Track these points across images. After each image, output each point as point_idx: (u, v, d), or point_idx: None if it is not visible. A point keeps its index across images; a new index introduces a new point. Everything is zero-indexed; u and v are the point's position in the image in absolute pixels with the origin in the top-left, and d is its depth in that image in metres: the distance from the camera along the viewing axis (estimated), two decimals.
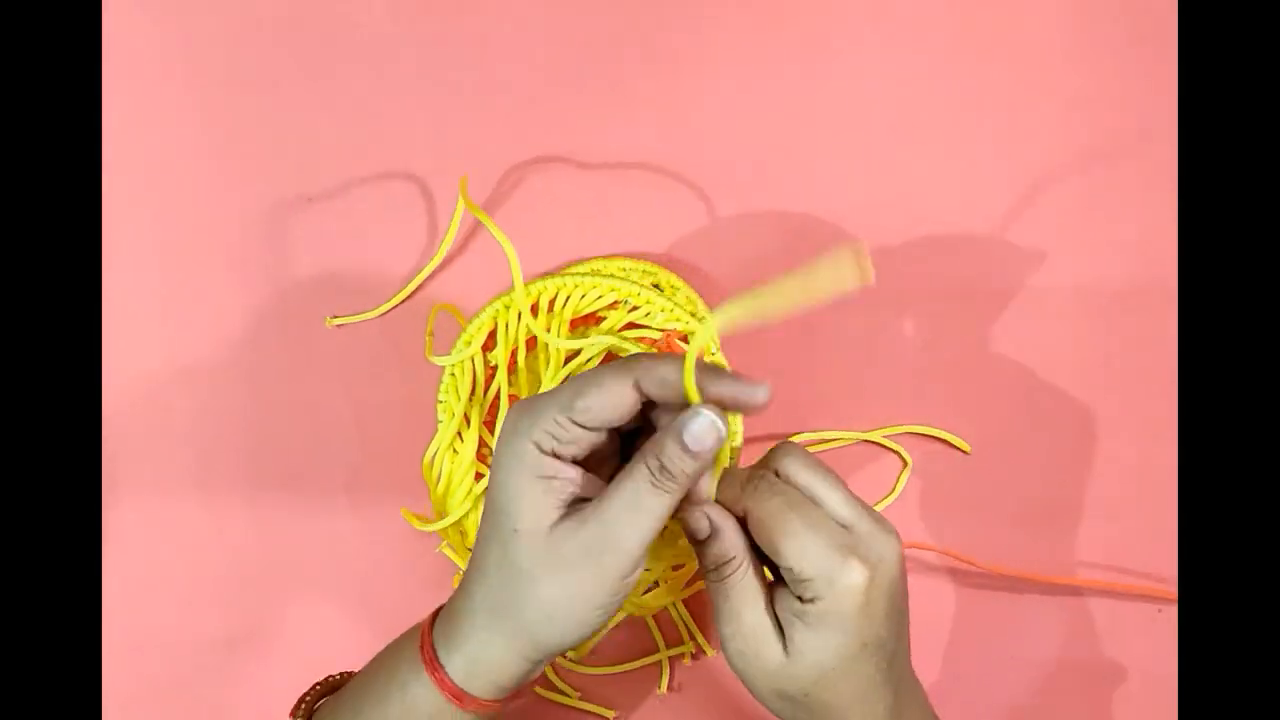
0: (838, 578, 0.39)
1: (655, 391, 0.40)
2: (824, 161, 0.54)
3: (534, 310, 0.50)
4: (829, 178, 0.54)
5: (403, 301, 0.55)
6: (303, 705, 0.45)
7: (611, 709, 0.55)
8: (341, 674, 0.47)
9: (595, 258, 0.53)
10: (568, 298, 0.50)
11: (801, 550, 0.39)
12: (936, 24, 0.53)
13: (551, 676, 0.55)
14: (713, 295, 0.54)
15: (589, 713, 0.55)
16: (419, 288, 0.55)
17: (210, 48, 0.54)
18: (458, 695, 0.41)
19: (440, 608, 0.43)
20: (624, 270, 0.53)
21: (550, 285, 0.50)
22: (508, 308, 0.50)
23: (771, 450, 0.42)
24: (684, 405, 0.40)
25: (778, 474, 0.42)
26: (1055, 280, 0.54)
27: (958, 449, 0.54)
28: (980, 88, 0.54)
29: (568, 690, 0.55)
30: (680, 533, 0.43)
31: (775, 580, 0.42)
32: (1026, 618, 0.55)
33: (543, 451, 0.39)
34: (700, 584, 0.53)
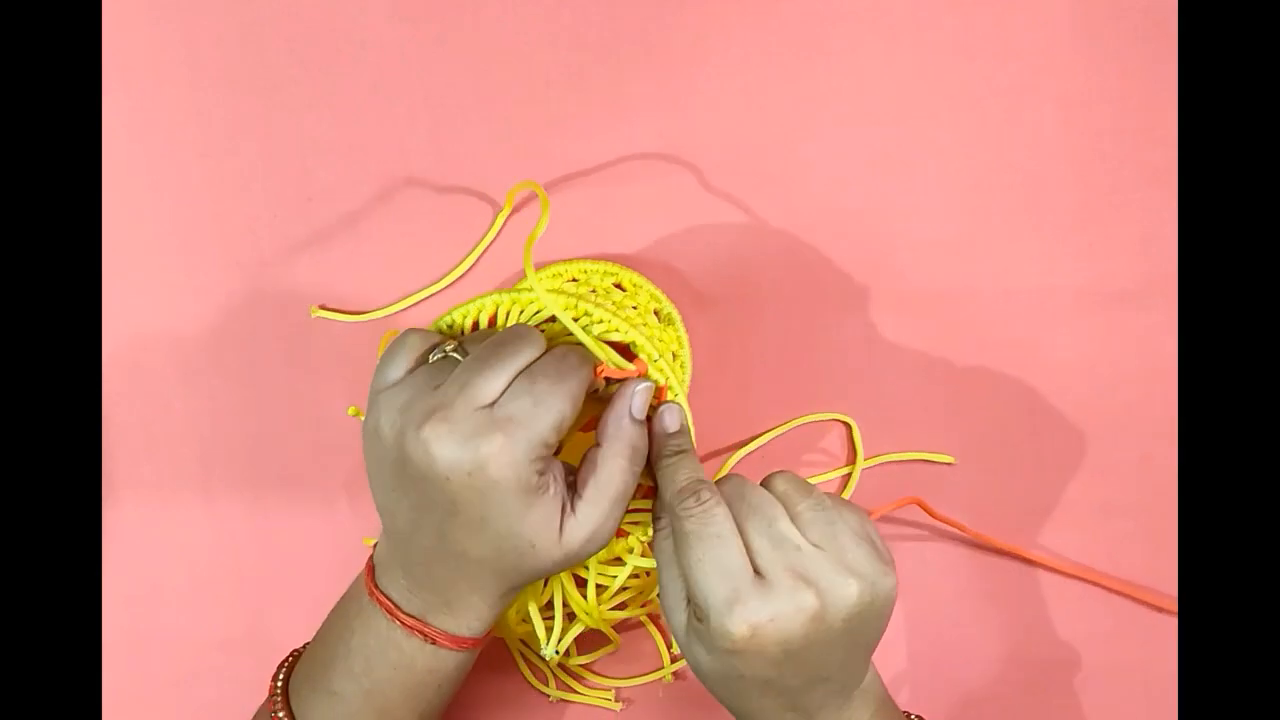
0: (718, 619, 0.40)
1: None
2: (823, 161, 0.54)
3: (474, 327, 0.49)
4: (828, 178, 0.54)
5: (413, 306, 0.55)
6: (280, 672, 0.48)
7: (617, 702, 0.55)
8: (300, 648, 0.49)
9: (556, 261, 0.53)
10: (507, 313, 0.48)
11: (695, 578, 0.41)
12: (936, 24, 0.53)
13: (559, 674, 0.55)
14: (709, 298, 0.54)
15: (594, 705, 0.55)
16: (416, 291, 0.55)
17: (210, 48, 0.54)
18: (472, 643, 0.44)
19: (370, 577, 0.45)
20: (584, 272, 0.52)
21: (489, 302, 0.48)
22: (450, 326, 0.49)
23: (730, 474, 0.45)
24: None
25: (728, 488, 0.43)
26: (1055, 280, 0.54)
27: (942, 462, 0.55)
28: (980, 88, 0.54)
29: (572, 684, 0.55)
30: None
31: None
32: (1026, 618, 0.55)
33: (539, 473, 0.42)
34: None
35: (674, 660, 0.55)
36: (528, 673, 0.55)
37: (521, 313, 0.48)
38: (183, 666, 0.57)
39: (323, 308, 0.54)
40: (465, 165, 0.54)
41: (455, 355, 0.44)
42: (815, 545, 0.41)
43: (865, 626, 0.42)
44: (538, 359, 0.43)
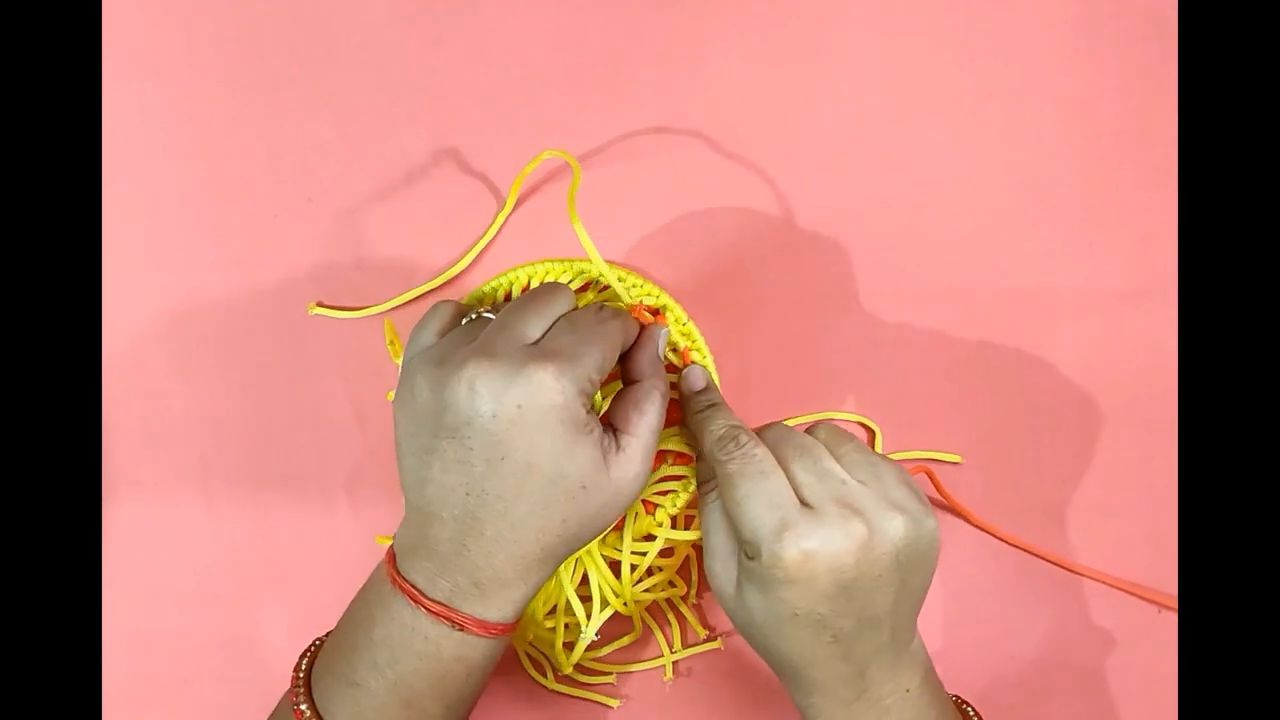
0: (769, 548, 0.41)
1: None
2: (823, 161, 0.54)
3: (507, 299, 0.50)
4: (828, 177, 0.54)
5: (410, 301, 0.55)
6: (302, 661, 0.46)
7: (615, 698, 0.55)
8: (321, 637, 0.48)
9: (558, 258, 0.53)
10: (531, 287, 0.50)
11: (743, 514, 0.42)
12: (937, 23, 0.53)
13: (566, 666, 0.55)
14: (709, 297, 0.54)
15: (593, 702, 0.55)
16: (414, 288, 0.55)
17: (210, 48, 0.54)
18: (506, 629, 0.44)
19: (393, 569, 0.44)
20: (585, 269, 0.53)
21: (521, 274, 0.50)
22: (479, 301, 0.50)
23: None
24: None
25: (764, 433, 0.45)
26: (1055, 280, 0.54)
27: (949, 462, 0.55)
28: (980, 88, 0.54)
29: (574, 674, 0.55)
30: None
31: None
32: (1027, 617, 0.55)
33: (584, 407, 0.42)
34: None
35: (676, 656, 0.55)
36: (528, 665, 0.55)
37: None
38: (183, 666, 0.57)
39: (320, 304, 0.54)
40: (465, 165, 0.54)
41: (489, 315, 0.44)
42: (860, 482, 0.42)
43: (912, 565, 0.42)
44: (574, 310, 0.44)
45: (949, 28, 0.53)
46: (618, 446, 0.43)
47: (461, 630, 0.42)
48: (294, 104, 0.54)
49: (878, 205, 0.54)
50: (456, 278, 0.54)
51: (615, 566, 0.50)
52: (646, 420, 0.44)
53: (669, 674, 0.55)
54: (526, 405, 0.40)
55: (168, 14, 0.54)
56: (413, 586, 0.43)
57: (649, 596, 0.52)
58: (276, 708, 0.47)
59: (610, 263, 0.54)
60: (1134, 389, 0.54)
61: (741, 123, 0.54)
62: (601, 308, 0.45)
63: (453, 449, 0.41)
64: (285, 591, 0.56)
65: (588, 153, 0.54)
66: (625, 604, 0.51)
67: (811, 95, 0.54)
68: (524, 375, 0.40)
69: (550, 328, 0.43)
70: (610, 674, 0.55)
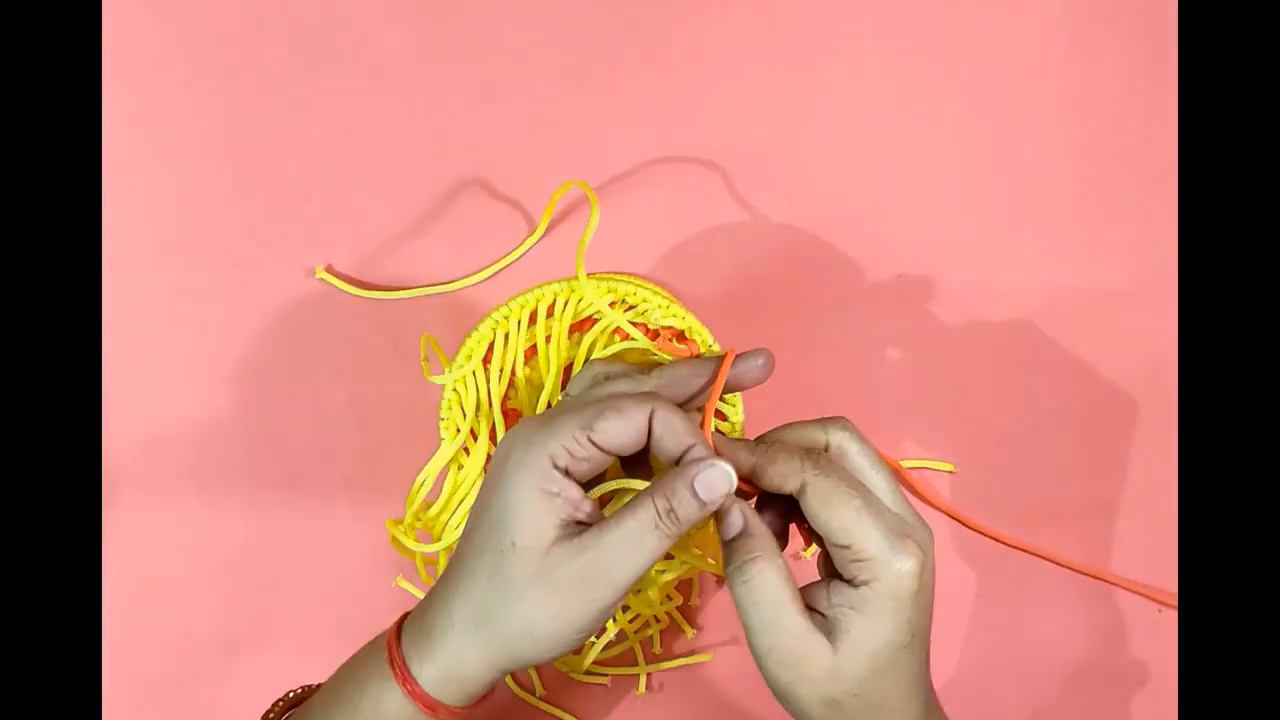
0: (895, 559, 0.39)
1: (665, 437, 0.41)
2: (823, 163, 0.54)
3: (532, 318, 0.50)
4: (828, 179, 0.54)
5: (412, 300, 0.55)
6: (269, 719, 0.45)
7: (576, 717, 0.55)
8: (304, 687, 0.46)
9: (605, 274, 0.53)
10: (565, 302, 0.50)
11: (864, 529, 0.39)
12: (937, 24, 0.53)
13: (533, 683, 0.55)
14: (708, 298, 0.54)
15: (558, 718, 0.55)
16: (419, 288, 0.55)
17: (210, 48, 0.54)
18: (430, 705, 0.41)
19: (404, 617, 0.43)
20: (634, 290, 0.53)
21: (548, 291, 0.50)
22: (506, 318, 0.50)
23: (825, 421, 0.42)
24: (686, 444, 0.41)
25: (828, 450, 0.42)
26: (1055, 280, 0.54)
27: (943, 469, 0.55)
28: (980, 88, 0.54)
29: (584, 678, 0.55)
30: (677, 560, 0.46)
31: (815, 582, 0.41)
32: (1027, 619, 0.55)
33: (555, 466, 0.40)
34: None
35: (652, 662, 0.55)
36: (513, 685, 0.55)
37: (567, 303, 0.50)
38: (183, 666, 0.56)
39: (329, 270, 0.54)
40: (465, 165, 0.54)
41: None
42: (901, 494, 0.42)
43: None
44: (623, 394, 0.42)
45: (949, 29, 0.53)
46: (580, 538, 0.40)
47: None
48: (294, 104, 0.54)
49: (877, 206, 0.54)
50: (457, 285, 0.54)
51: None
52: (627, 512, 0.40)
53: (641, 687, 0.54)
54: (505, 440, 0.42)
55: (168, 14, 0.54)
56: (406, 666, 0.42)
57: (606, 671, 0.51)
58: None
59: (632, 276, 0.54)
60: (1134, 389, 0.54)
61: (742, 124, 0.54)
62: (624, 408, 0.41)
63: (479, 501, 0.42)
64: (284, 591, 0.56)
65: (588, 151, 0.54)
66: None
67: (811, 96, 0.54)
68: (514, 430, 0.42)
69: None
70: (605, 676, 0.55)
